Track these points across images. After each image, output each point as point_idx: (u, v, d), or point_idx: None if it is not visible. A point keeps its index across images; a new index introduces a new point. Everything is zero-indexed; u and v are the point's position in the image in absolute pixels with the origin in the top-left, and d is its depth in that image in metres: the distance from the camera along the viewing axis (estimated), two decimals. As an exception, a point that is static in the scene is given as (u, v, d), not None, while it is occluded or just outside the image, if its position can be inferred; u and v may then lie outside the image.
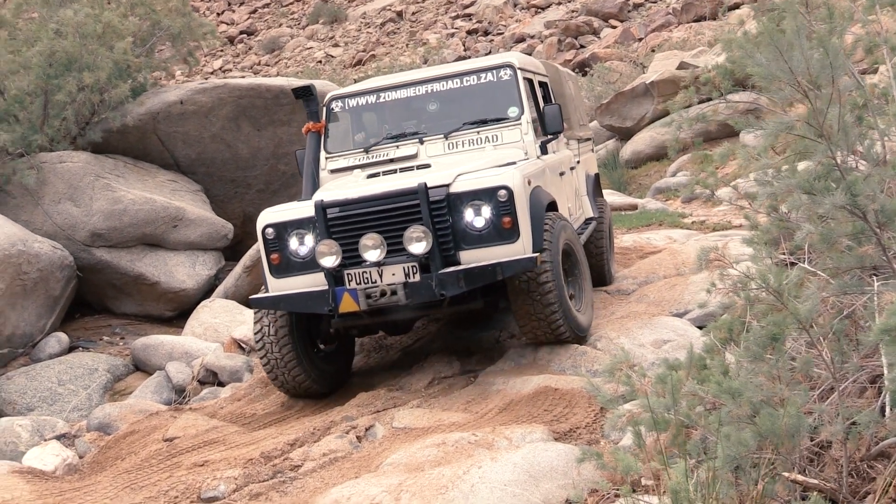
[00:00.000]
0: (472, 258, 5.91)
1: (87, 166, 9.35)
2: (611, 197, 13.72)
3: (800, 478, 3.13)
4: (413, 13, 33.97)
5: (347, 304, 5.88)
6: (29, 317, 8.27)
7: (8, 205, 9.08)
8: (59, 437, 6.40)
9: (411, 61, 27.76)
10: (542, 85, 7.94)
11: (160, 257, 9.33)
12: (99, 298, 9.52)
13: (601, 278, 8.29)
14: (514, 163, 6.34)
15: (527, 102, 7.02)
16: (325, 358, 6.71)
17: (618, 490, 3.63)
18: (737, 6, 22.51)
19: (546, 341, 6.28)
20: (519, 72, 7.08)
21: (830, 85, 3.06)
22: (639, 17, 27.59)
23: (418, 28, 32.73)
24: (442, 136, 6.97)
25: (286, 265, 6.17)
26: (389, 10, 34.75)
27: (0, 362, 7.99)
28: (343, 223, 5.98)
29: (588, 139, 9.44)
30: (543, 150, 7.01)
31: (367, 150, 7.11)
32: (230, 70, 33.15)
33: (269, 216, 6.26)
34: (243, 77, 27.68)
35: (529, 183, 6.08)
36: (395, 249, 5.82)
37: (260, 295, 6.32)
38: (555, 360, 6.33)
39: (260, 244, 6.25)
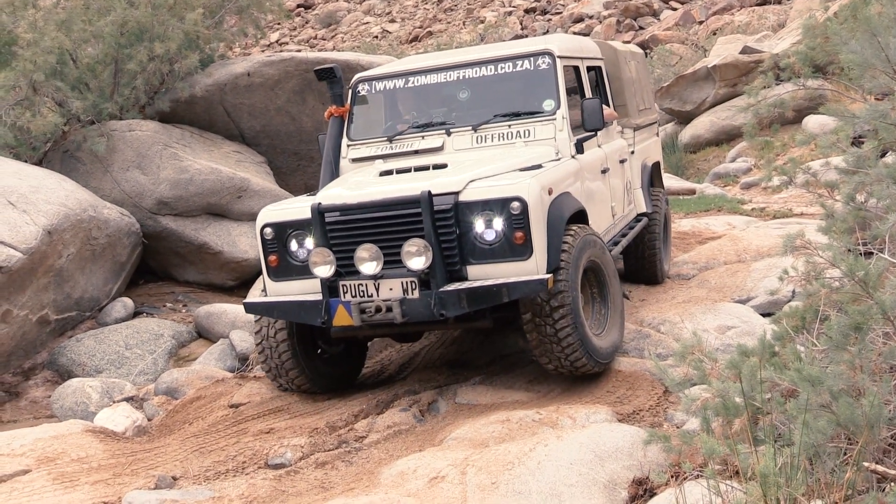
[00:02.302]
0: (479, 274, 5.40)
1: (155, 135, 9.49)
2: (668, 181, 13.60)
3: (880, 468, 3.12)
4: (471, -10, 33.82)
5: (342, 318, 5.47)
6: (97, 281, 8.44)
7: (78, 171, 9.25)
8: (127, 400, 6.55)
9: (470, 38, 27.69)
10: (595, 70, 7.38)
11: (224, 227, 9.43)
12: (163, 266, 9.68)
13: (652, 277, 7.95)
14: (539, 166, 5.77)
15: (564, 96, 6.37)
16: (329, 360, 6.35)
17: (700, 471, 3.64)
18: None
19: (562, 372, 5.65)
20: (559, 60, 6.45)
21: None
22: (700, -1, 27.22)
23: (476, 5, 32.61)
24: (470, 128, 6.42)
25: (284, 268, 5.79)
26: (447, -14, 34.62)
27: (69, 325, 8.17)
28: (340, 230, 5.55)
29: (649, 125, 8.80)
30: (579, 149, 6.33)
31: (390, 140, 6.61)
32: (287, 43, 33.33)
33: (269, 215, 5.87)
34: (300, 50, 27.81)
35: (551, 192, 5.52)
36: (396, 261, 5.35)
37: (254, 299, 6.04)
38: (619, 342, 6.34)
39: (258, 244, 5.90)
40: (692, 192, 13.28)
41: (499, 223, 5.33)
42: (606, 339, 5.80)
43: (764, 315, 6.49)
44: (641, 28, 26.29)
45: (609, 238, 6.77)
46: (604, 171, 6.78)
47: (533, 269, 5.31)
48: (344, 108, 6.82)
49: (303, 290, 5.70)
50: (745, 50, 16.23)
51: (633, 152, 7.80)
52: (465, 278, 5.40)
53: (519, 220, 5.28)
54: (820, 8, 4.99)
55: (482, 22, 29.66)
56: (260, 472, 5.10)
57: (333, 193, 5.73)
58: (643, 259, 7.88)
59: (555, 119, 6.29)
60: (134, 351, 7.62)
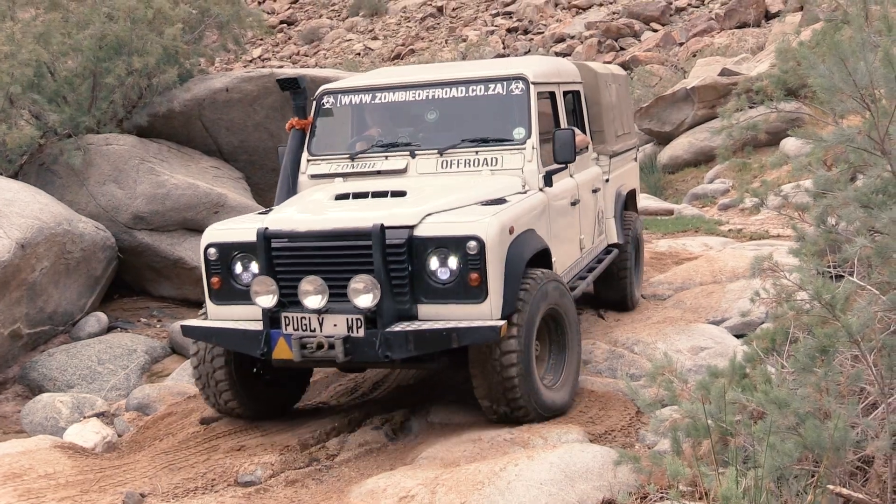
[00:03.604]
0: (431, 314, 5.10)
1: (133, 149, 9.45)
2: (646, 201, 13.70)
3: (845, 491, 3.13)
4: (453, 9, 33.96)
5: (282, 351, 5.16)
6: (70, 295, 8.38)
7: (54, 184, 9.20)
8: (98, 415, 6.49)
9: (451, 57, 27.79)
10: (573, 94, 7.08)
11: (200, 242, 9.40)
12: (138, 280, 9.62)
13: (622, 303, 7.77)
14: (502, 200, 5.48)
15: (536, 124, 6.03)
16: (268, 384, 6.05)
17: (664, 493, 3.64)
18: (776, 15, 22.37)
19: (504, 420, 5.31)
20: (533, 87, 6.10)
21: (894, 98, 3.05)
22: (680, 21, 27.43)
23: (458, 24, 32.72)
24: (436, 151, 6.08)
25: (227, 291, 5.46)
26: (430, 4, 34.75)
27: (41, 339, 8.10)
28: (286, 258, 5.26)
29: (627, 150, 8.48)
30: (548, 181, 6.01)
31: (352, 158, 6.28)
32: (269, 59, 33.31)
33: (213, 234, 5.56)
34: (281, 66, 27.83)
35: (512, 231, 5.22)
36: (343, 294, 5.03)
37: (192, 322, 5.69)
38: (592, 361, 6.36)
39: (201, 264, 5.60)
40: (670, 212, 13.35)
41: (454, 262, 5.04)
42: (559, 392, 5.51)
43: (738, 336, 6.52)
44: (622, 49, 26.44)
45: (574, 273, 6.55)
46: (574, 203, 6.50)
47: (487, 313, 5.02)
48: (306, 121, 6.55)
49: (245, 317, 5.37)
50: (724, 72, 16.36)
51: (607, 180, 7.54)
52: (415, 317, 5.12)
53: (475, 260, 4.98)
54: (793, 32, 5.04)
55: (464, 41, 29.77)
56: (230, 489, 5.06)
57: (282, 217, 5.44)
58: (613, 286, 7.72)
59: (524, 149, 5.97)
60: (106, 366, 7.56)
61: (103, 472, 5.40)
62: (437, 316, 5.09)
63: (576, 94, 7.15)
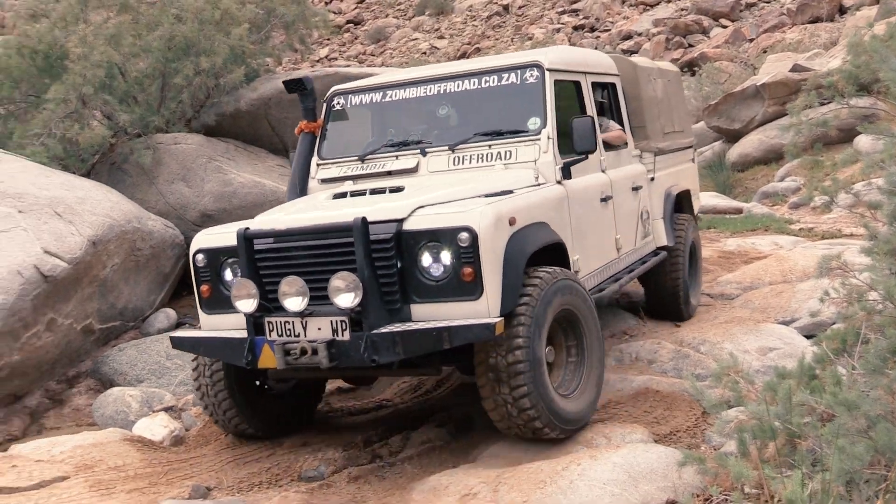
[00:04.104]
0: (424, 314, 4.71)
1: (200, 148, 9.61)
2: (714, 200, 13.52)
3: (918, 496, 3.04)
4: (519, 7, 33.86)
5: (267, 359, 4.80)
6: (140, 292, 8.55)
7: (125, 183, 9.40)
8: (166, 410, 6.60)
9: (516, 55, 27.69)
10: (608, 87, 6.75)
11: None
12: (205, 277, 9.77)
13: (675, 313, 7.35)
14: (508, 192, 5.14)
15: (552, 114, 5.66)
16: (275, 398, 5.79)
17: (727, 496, 3.57)
18: (850, 9, 21.87)
19: (518, 435, 4.91)
20: (549, 74, 5.75)
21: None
22: (751, 16, 26.98)
23: (524, 22, 32.63)
24: (447, 147, 5.79)
25: (217, 299, 5.20)
26: (496, 3, 34.70)
27: (112, 334, 8.28)
28: (269, 259, 4.95)
29: (679, 149, 7.99)
30: (566, 174, 5.63)
31: (362, 159, 6.00)
32: (336, 59, 33.59)
33: (202, 239, 5.30)
34: (348, 66, 28.04)
35: (513, 222, 4.83)
36: (327, 295, 4.67)
37: (182, 333, 5.48)
38: (657, 361, 6.29)
39: (192, 271, 5.36)
40: (739, 211, 13.14)
41: (447, 256, 4.65)
42: (577, 402, 5.06)
43: (807, 337, 6.39)
44: (691, 46, 26.08)
45: (609, 275, 6.20)
46: (605, 199, 6.12)
47: (483, 310, 4.60)
48: (315, 124, 6.32)
49: (238, 325, 5.03)
50: (796, 68, 16.04)
51: (652, 179, 7.14)
52: (408, 318, 4.74)
53: (468, 253, 4.59)
54: (866, 26, 4.90)
55: (530, 39, 29.66)
56: (293, 484, 5.11)
57: (269, 218, 5.16)
58: (664, 295, 7.35)
59: (539, 140, 5.61)
60: (174, 361, 7.68)
61: (170, 465, 5.49)
62: (431, 316, 4.69)
63: (611, 86, 6.82)
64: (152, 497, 4.99)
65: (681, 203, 7.79)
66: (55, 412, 7.42)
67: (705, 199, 13.49)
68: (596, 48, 26.50)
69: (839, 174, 9.92)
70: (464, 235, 4.59)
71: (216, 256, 5.22)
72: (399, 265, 4.71)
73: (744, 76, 19.79)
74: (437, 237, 4.67)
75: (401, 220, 4.75)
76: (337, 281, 4.59)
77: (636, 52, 25.47)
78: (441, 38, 33.70)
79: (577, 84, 6.18)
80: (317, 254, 4.83)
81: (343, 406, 6.42)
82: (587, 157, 5.74)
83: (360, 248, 4.63)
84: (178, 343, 5.35)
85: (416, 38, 34.04)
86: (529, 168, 5.55)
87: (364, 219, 4.66)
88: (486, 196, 5.04)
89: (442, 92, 6.01)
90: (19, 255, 7.03)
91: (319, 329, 4.70)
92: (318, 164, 6.22)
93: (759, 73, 18.55)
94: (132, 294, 8.43)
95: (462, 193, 5.09)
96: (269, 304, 4.87)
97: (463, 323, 4.53)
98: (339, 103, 6.33)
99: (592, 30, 30.19)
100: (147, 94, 9.91)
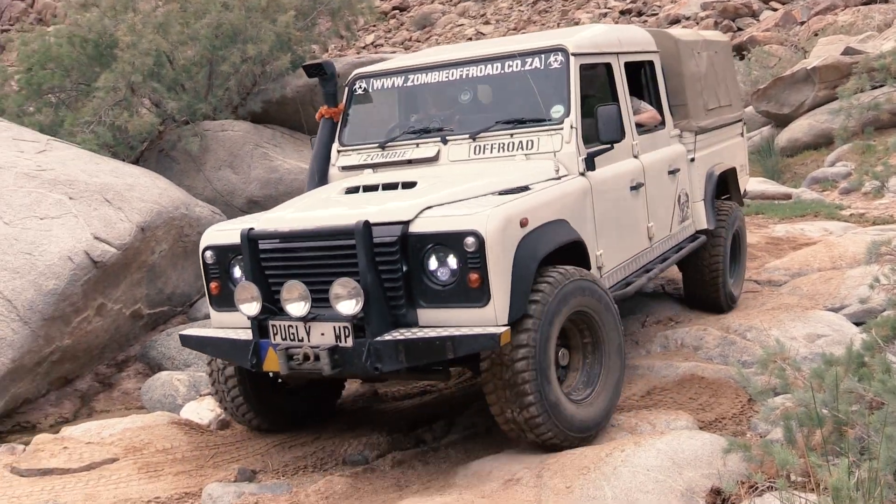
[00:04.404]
0: (431, 319, 4.53)
1: (247, 135, 9.70)
2: (763, 185, 13.33)
3: (967, 485, 2.99)
4: (566, -8, 33.65)
5: (272, 363, 4.71)
6: (188, 277, 8.65)
7: (172, 170, 9.52)
8: (213, 394, 6.69)
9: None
10: (646, 65, 6.49)
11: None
12: (252, 263, 9.87)
13: (714, 304, 7.04)
14: (524, 188, 4.92)
15: (576, 101, 5.41)
16: (291, 393, 5.64)
17: (772, 483, 3.54)
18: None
19: (525, 441, 4.73)
20: (574, 59, 5.49)
21: None
22: (801, -1, 26.55)
23: (570, 7, 32.41)
24: (468, 136, 5.58)
25: (227, 297, 5.02)
26: (542, -12, 34.52)
27: (161, 319, 8.40)
28: (274, 261, 4.82)
29: (724, 125, 7.62)
30: (590, 165, 5.39)
31: (383, 147, 5.83)
32: (381, 45, 33.63)
33: (211, 236, 5.23)
34: (394, 52, 28.06)
35: (525, 224, 4.61)
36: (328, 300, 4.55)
37: (191, 331, 5.41)
38: (703, 347, 6.24)
39: (202, 267, 5.28)
40: (788, 196, 12.95)
41: (453, 261, 4.46)
42: (591, 407, 4.85)
43: (857, 324, 6.29)
44: (740, 29, 25.72)
45: (640, 266, 5.99)
46: (636, 187, 5.90)
47: (490, 317, 4.40)
48: (337, 109, 6.15)
49: (247, 323, 4.90)
50: (848, 51, 15.75)
51: (693, 160, 6.84)
52: (415, 323, 4.56)
53: (474, 258, 4.38)
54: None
55: (577, 24, 29.46)
56: (338, 468, 5.16)
57: (275, 216, 5.05)
58: (702, 283, 7.02)
59: (561, 129, 5.37)
60: (222, 346, 7.77)
61: (217, 448, 5.56)
62: (438, 322, 4.51)
63: (648, 64, 6.54)
64: (199, 479, 5.06)
65: (725, 182, 7.54)
66: (105, 395, 7.55)
67: (753, 185, 13.31)
68: (643, 33, 26.21)
69: (891, 159, 9.74)
70: (470, 240, 4.39)
71: (225, 254, 5.11)
72: (405, 269, 4.53)
73: (794, 60, 19.46)
74: (444, 241, 4.48)
75: (407, 223, 4.56)
76: (337, 288, 4.45)
77: (684, 37, 25.12)
78: (487, 23, 33.60)
79: (608, 66, 5.94)
80: (319, 257, 4.70)
81: (388, 391, 6.45)
82: (612, 148, 5.48)
83: (362, 253, 4.46)
84: (186, 341, 5.29)
85: (461, 24, 33.96)
86: (550, 159, 5.32)
87: (367, 223, 4.49)
88: (500, 193, 4.84)
89: (465, 76, 5.80)
90: (70, 242, 7.15)
91: (323, 335, 4.57)
92: (338, 151, 6.07)
93: (809, 56, 18.23)
94: (180, 280, 8.54)
95: (475, 190, 4.89)
96: (275, 305, 4.74)
97: (467, 333, 4.34)
98: (361, 87, 6.13)
99: (640, 14, 29.90)
100: (194, 82, 10.02)
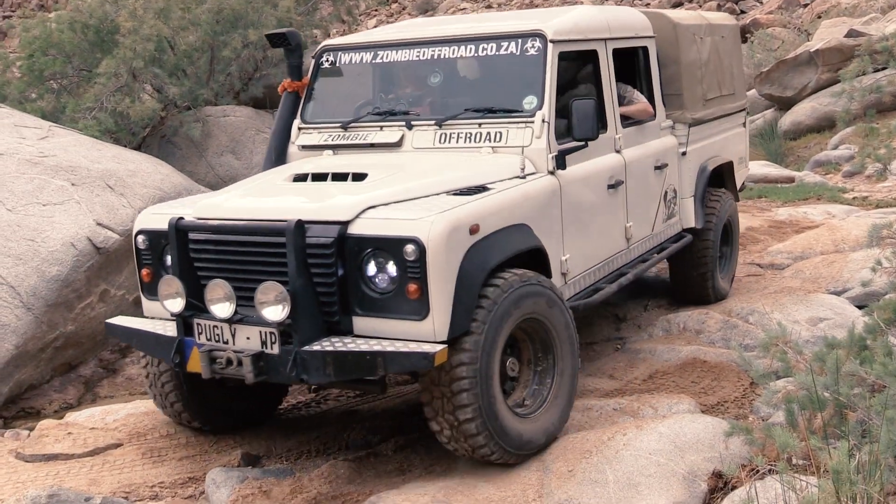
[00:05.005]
0: (367, 329, 4.20)
1: (249, 121, 9.72)
2: (765, 169, 13.34)
3: (968, 467, 3.00)
4: (568, -25, 33.53)
5: (196, 363, 4.40)
6: (191, 263, 8.67)
7: (175, 155, 9.53)
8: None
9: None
10: (639, 52, 6.12)
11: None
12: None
13: (702, 298, 6.79)
14: (481, 188, 4.56)
15: (551, 93, 5.01)
16: (231, 392, 5.20)
17: (773, 466, 3.56)
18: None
19: (466, 456, 4.43)
20: (552, 46, 5.08)
21: None
22: (805, -19, 26.42)
23: (573, -10, 32.31)
24: (434, 122, 5.21)
25: (158, 286, 4.61)
26: (544, -29, 34.40)
27: (164, 305, 8.42)
28: (202, 254, 4.50)
29: (721, 117, 7.19)
30: (560, 163, 5.00)
31: (345, 127, 5.46)
32: (383, 30, 33.58)
33: (145, 219, 4.90)
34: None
35: (475, 231, 4.23)
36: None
37: (117, 320, 5.04)
38: (705, 331, 6.26)
39: (134, 252, 4.97)
40: (791, 180, 12.95)
41: (392, 268, 4.14)
42: (538, 422, 4.53)
43: (859, 307, 6.30)
44: (743, 12, 25.64)
45: (612, 269, 5.65)
46: (614, 185, 5.54)
47: (429, 331, 4.06)
48: (300, 83, 5.79)
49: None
50: (851, 33, 15.70)
51: (684, 153, 6.49)
52: (350, 332, 4.25)
53: (414, 267, 4.04)
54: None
55: (581, 4, 29.39)
56: (341, 453, 5.17)
57: (211, 204, 4.68)
58: (689, 280, 6.79)
59: (533, 122, 4.98)
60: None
61: (220, 433, 5.58)
62: (374, 332, 4.19)
63: (643, 50, 6.15)
64: (203, 465, 5.08)
65: (721, 176, 7.18)
66: (109, 381, 7.56)
67: (756, 168, 13.30)
68: (646, 16, 26.09)
69: (894, 142, 9.74)
70: (410, 248, 4.04)
71: (158, 240, 4.79)
72: (341, 273, 4.20)
73: (797, 42, 19.42)
74: (383, 246, 4.14)
75: (346, 223, 4.22)
76: (262, 293, 4.13)
77: (687, 20, 25.06)
78: (490, 7, 33.49)
79: (594, 53, 5.55)
80: (248, 254, 4.39)
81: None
82: (586, 146, 5.11)
83: (292, 256, 4.14)
84: (111, 330, 5.00)
85: (464, 8, 33.85)
86: (517, 155, 4.94)
87: (299, 223, 4.16)
88: (455, 193, 4.49)
89: (436, 57, 5.39)
90: (72, 228, 7.15)
91: (248, 339, 4.28)
92: (299, 128, 5.69)
93: (812, 39, 18.18)
94: (183, 265, 8.55)
95: (427, 188, 4.53)
96: (202, 302, 4.40)
97: (400, 349, 4.02)
98: (328, 61, 5.74)
99: (642, -3, 29.76)
100: (196, 67, 10.03)
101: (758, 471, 3.81)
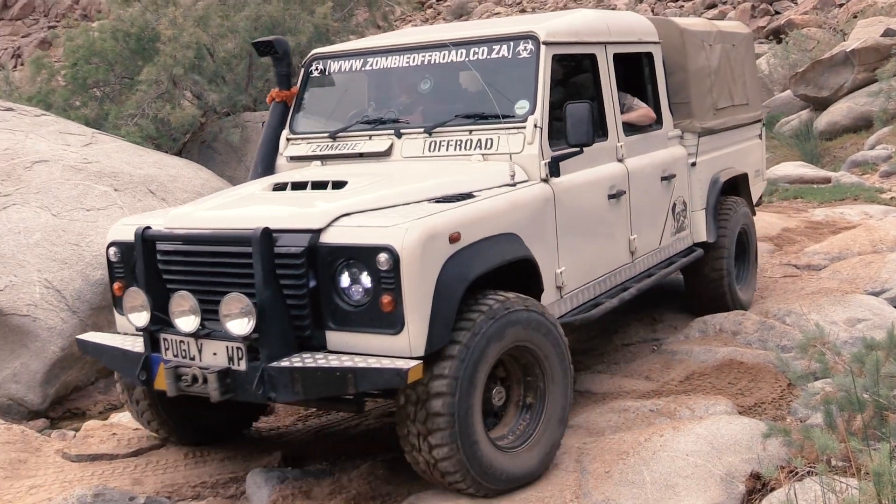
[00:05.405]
0: (341, 344, 3.95)
1: (286, 126, 9.81)
2: (801, 169, 13.26)
3: None
4: (601, -23, 33.45)
5: (162, 381, 4.18)
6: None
7: (214, 161, 9.65)
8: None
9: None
10: (643, 58, 5.95)
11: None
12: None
13: (722, 306, 6.56)
14: (467, 195, 4.33)
15: (544, 97, 4.79)
16: (207, 406, 4.59)
17: (812, 468, 3.56)
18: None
19: (438, 485, 4.16)
20: (545, 48, 4.87)
21: None
22: (841, -20, 26.19)
23: (606, -8, 32.24)
24: (423, 130, 5.02)
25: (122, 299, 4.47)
26: (577, -26, 34.34)
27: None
28: (171, 265, 4.32)
29: (734, 127, 6.97)
30: (554, 170, 4.79)
31: (334, 137, 5.29)
32: (417, 34, 33.66)
33: (117, 231, 4.70)
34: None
35: (455, 240, 3.97)
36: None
37: (89, 335, 4.87)
38: (741, 332, 6.25)
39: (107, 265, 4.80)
40: (827, 180, 12.88)
41: (367, 279, 3.87)
42: (522, 457, 4.24)
43: (898, 308, 6.28)
44: (777, 13, 25.49)
45: (615, 284, 5.42)
46: (616, 196, 5.32)
47: (404, 347, 3.81)
48: (289, 92, 5.66)
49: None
50: (888, 32, 15.59)
51: (694, 164, 6.28)
52: (323, 347, 4.01)
53: (388, 278, 3.78)
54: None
55: (612, 10, 29.29)
56: (381, 453, 5.22)
57: (183, 213, 4.49)
58: (705, 295, 6.60)
59: (524, 127, 4.76)
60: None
61: (261, 434, 5.66)
62: (347, 347, 3.94)
63: (647, 56, 5.98)
64: (244, 465, 5.13)
65: (735, 189, 6.97)
66: (152, 383, 7.68)
67: (792, 169, 13.24)
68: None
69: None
70: (383, 257, 3.78)
71: (130, 252, 4.53)
72: (313, 284, 3.97)
73: (832, 43, 19.27)
74: (356, 255, 3.89)
75: (318, 231, 3.98)
76: (226, 305, 3.91)
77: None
78: (523, 11, 33.51)
79: (593, 58, 5.35)
80: (215, 265, 4.18)
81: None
82: (582, 152, 4.87)
83: (259, 265, 3.91)
84: (82, 346, 4.82)
85: (498, 13, 33.90)
86: (507, 162, 4.70)
87: (266, 230, 3.93)
88: (437, 201, 4.25)
89: (427, 62, 5.20)
90: (115, 232, 7.30)
91: (215, 354, 4.05)
92: (287, 139, 5.55)
93: (848, 38, 18.05)
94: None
95: (408, 196, 4.30)
96: (169, 316, 4.19)
97: (372, 365, 3.76)
98: (318, 69, 5.59)
99: (676, -1, 29.67)
100: (235, 74, 10.16)
101: (796, 472, 3.79)
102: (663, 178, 5.91)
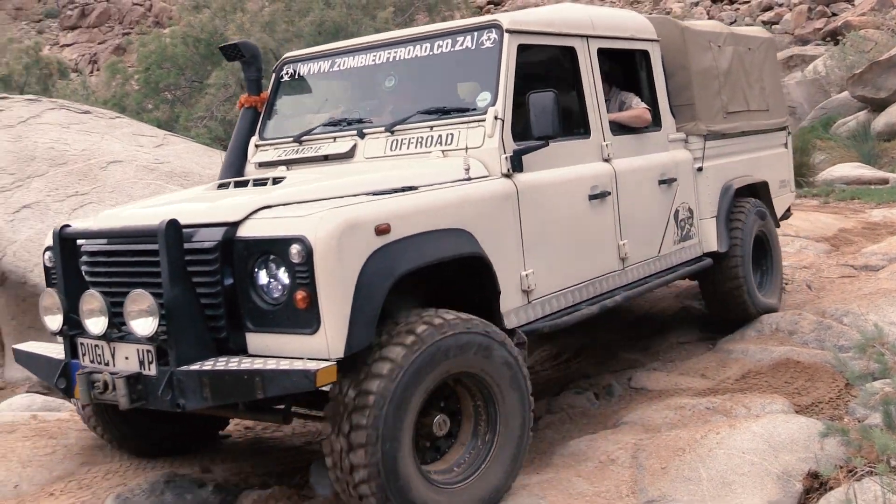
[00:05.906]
0: (261, 347, 3.66)
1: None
2: (859, 170, 13.18)
3: None
4: (656, -21, 33.28)
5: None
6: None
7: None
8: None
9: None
10: (638, 55, 5.73)
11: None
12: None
13: (744, 317, 6.41)
14: (410, 188, 4.04)
15: (507, 88, 4.51)
16: (161, 415, 4.44)
17: (872, 468, 3.59)
18: None
19: None
20: (509, 37, 4.59)
21: None
22: (900, -20, 25.79)
23: (661, -6, 32.08)
24: (384, 129, 4.78)
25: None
26: (632, -24, 34.18)
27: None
28: (90, 266, 4.10)
29: (750, 133, 6.71)
30: (516, 165, 4.50)
31: (299, 141, 5.11)
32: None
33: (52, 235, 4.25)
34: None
35: (382, 231, 3.67)
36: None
37: (22, 346, 4.59)
38: (798, 332, 6.24)
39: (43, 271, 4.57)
40: (885, 181, 12.80)
41: (283, 275, 3.59)
42: (465, 493, 3.87)
43: (958, 309, 6.26)
44: (834, 14, 25.16)
45: (601, 291, 5.08)
46: (598, 196, 5.01)
47: (321, 347, 3.50)
48: (258, 98, 5.48)
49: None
50: (948, 34, 15.41)
51: (700, 169, 6.02)
52: (243, 350, 3.71)
53: (302, 271, 3.49)
54: None
55: (668, 13, 29.13)
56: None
57: (113, 213, 4.30)
58: (723, 300, 6.37)
59: (484, 120, 4.47)
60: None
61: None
62: (267, 349, 3.65)
63: (642, 54, 5.76)
64: (309, 455, 5.10)
65: (759, 197, 6.71)
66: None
67: (849, 170, 13.17)
68: (734, 22, 25.80)
69: None
70: (295, 248, 3.50)
71: None
72: (230, 282, 3.69)
73: (890, 44, 19.05)
74: (272, 248, 3.60)
75: (234, 225, 3.72)
76: (130, 304, 3.65)
77: (776, 24, 24.77)
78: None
79: (572, 51, 5.08)
80: (127, 263, 3.96)
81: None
82: (547, 144, 4.54)
83: (165, 260, 3.61)
84: (17, 356, 4.56)
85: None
86: (466, 156, 4.43)
87: (172, 223, 3.63)
88: (376, 194, 3.97)
89: (391, 59, 4.98)
90: (185, 231, 7.54)
91: (127, 359, 3.79)
92: (256, 146, 5.34)
93: (908, 39, 17.85)
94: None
95: (344, 189, 4.02)
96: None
97: (280, 367, 3.46)
98: (289, 74, 5.41)
99: (732, 2, 29.44)
100: (298, 77, 10.38)
101: (855, 472, 3.78)
102: (661, 182, 5.64)
